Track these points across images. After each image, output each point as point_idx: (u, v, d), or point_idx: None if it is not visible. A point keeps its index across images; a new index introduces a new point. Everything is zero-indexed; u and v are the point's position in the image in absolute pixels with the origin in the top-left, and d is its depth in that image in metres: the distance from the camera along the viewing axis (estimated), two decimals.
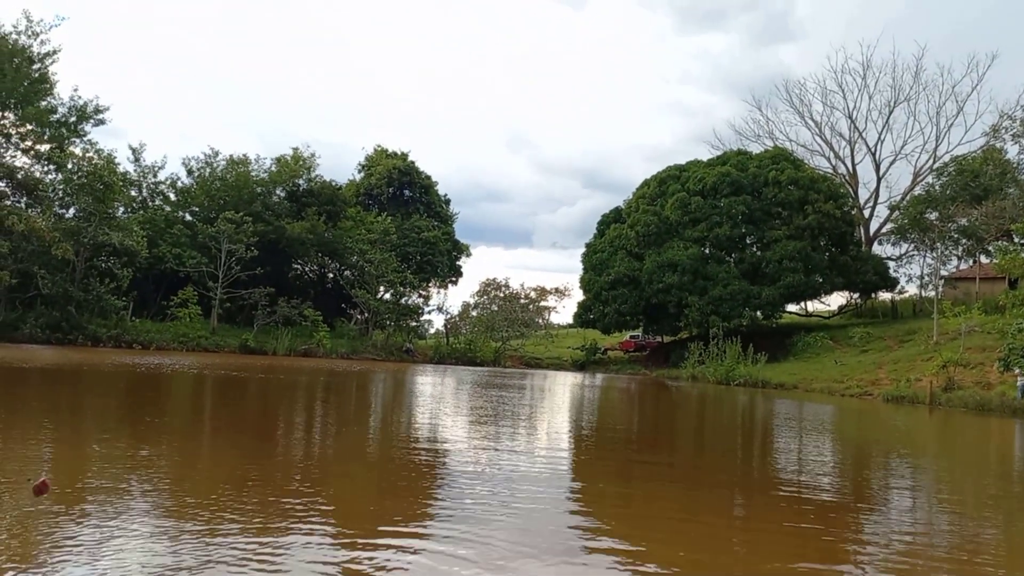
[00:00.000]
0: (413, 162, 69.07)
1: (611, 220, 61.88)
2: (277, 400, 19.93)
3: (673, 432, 18.67)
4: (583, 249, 62.35)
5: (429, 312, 66.54)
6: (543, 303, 67.76)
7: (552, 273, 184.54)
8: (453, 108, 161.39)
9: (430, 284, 65.88)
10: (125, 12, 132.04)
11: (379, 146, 70.98)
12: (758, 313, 52.80)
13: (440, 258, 64.54)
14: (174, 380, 23.46)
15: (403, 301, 59.74)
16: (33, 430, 10.95)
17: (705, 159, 59.70)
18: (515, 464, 10.54)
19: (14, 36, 43.36)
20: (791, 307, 59.28)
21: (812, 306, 63.69)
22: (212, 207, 53.71)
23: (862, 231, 62.87)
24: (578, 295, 62.22)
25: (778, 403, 29.15)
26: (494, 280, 65.41)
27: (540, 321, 68.75)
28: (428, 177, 69.20)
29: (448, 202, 70.80)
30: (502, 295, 64.54)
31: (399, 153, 69.70)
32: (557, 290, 68.22)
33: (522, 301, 65.36)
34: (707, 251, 53.87)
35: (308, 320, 51.53)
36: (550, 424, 17.43)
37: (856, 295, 60.36)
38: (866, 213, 64.95)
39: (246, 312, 51.21)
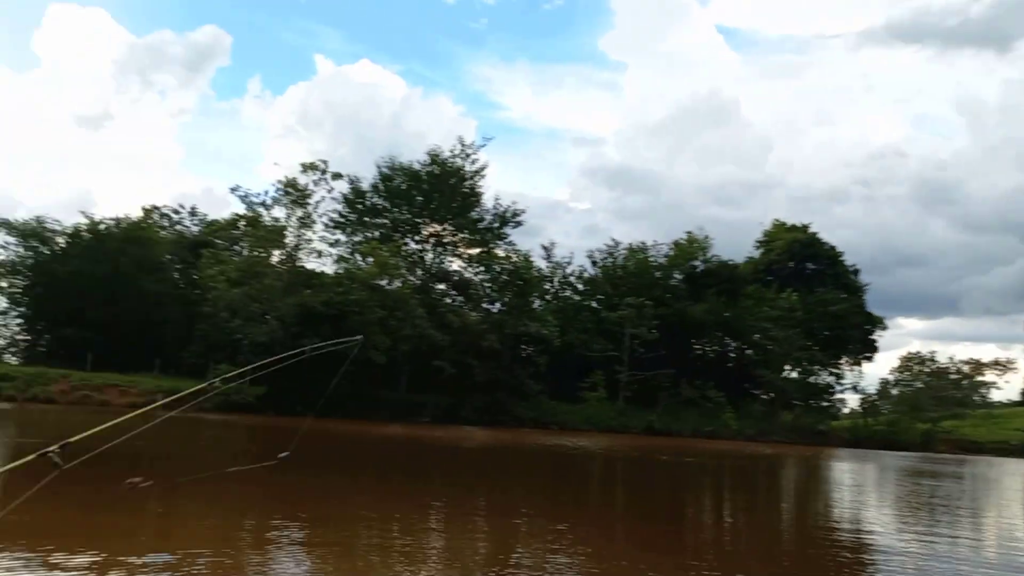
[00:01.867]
0: (815, 234, 66.07)
1: None
2: (689, 484, 19.87)
3: None
4: None
5: (841, 391, 61.85)
6: (979, 378, 59.14)
7: (986, 344, 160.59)
8: (854, 169, 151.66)
9: (840, 361, 61.47)
10: (531, 126, 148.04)
11: (777, 220, 69.29)
12: None
13: (850, 332, 60.03)
14: (591, 461, 24.68)
15: (811, 380, 56.50)
16: (470, 505, 12.24)
17: None
18: (955, 556, 9.13)
19: (451, 159, 51.22)
20: None
21: None
22: (615, 294, 56.71)
23: None
24: None
25: None
26: (916, 354, 59.02)
27: (977, 399, 59.93)
28: (832, 248, 65.50)
29: (856, 272, 66.00)
30: (927, 370, 57.74)
31: (799, 226, 67.27)
32: (997, 363, 59.15)
33: (952, 377, 57.75)
34: None
35: (711, 401, 51.17)
36: (1000, 518, 14.86)
37: None
38: None
39: (650, 393, 52.50)
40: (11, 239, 47.67)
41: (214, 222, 55.76)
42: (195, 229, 56.12)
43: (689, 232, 60.40)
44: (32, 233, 47.82)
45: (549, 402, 48.80)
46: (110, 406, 37.07)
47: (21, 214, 50.00)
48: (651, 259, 59.09)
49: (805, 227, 66.87)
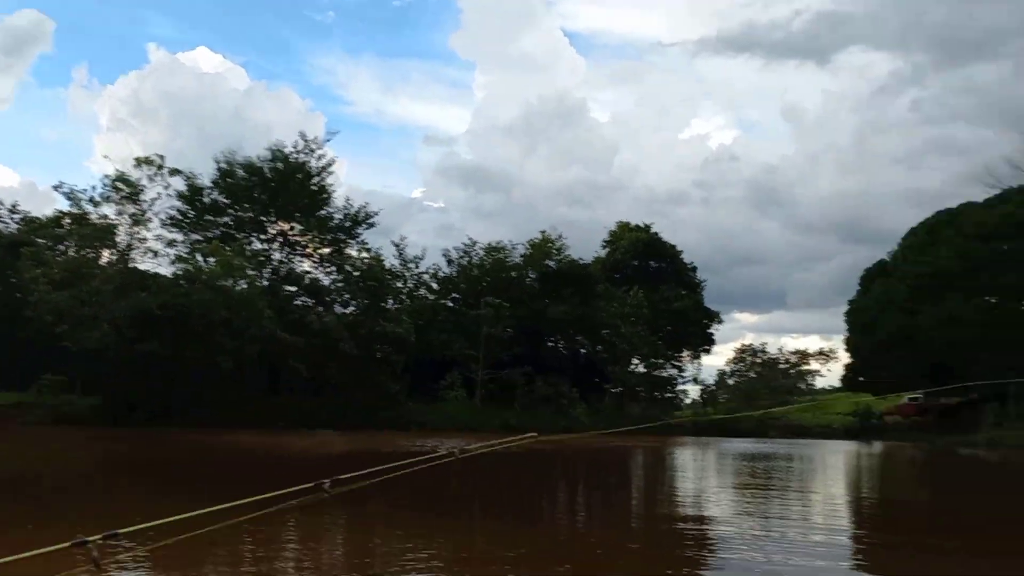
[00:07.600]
0: (656, 234, 69.30)
1: (875, 275, 57.53)
2: (544, 477, 20.31)
3: (978, 510, 16.50)
4: (844, 307, 58.47)
5: (683, 383, 65.25)
6: (805, 367, 64.01)
7: (810, 336, 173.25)
8: (693, 172, 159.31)
9: (682, 354, 64.82)
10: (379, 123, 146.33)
11: (621, 221, 72.08)
12: None
13: (691, 327, 63.45)
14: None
15: (656, 373, 59.17)
16: None
17: (981, 200, 53.90)
18: (787, 534, 9.91)
19: (294, 155, 49.40)
20: None
21: None
22: (472, 293, 56.98)
23: None
24: (844, 357, 58.11)
25: None
26: (749, 346, 63.10)
27: (803, 387, 64.82)
28: (673, 247, 68.99)
29: (694, 269, 69.89)
30: (760, 361, 61.85)
31: (642, 226, 70.34)
32: (821, 353, 64.21)
33: (782, 366, 62.16)
34: (994, 301, 48.12)
35: (564, 397, 52.49)
36: (825, 496, 16.20)
37: None
38: None
39: (507, 392, 53.17)
40: None
41: (35, 220, 51.52)
42: (14, 227, 51.66)
43: (543, 232, 61.30)
44: None
45: (407, 403, 48.44)
46: None
47: None
48: (508, 258, 59.53)
49: (647, 227, 70.00)
